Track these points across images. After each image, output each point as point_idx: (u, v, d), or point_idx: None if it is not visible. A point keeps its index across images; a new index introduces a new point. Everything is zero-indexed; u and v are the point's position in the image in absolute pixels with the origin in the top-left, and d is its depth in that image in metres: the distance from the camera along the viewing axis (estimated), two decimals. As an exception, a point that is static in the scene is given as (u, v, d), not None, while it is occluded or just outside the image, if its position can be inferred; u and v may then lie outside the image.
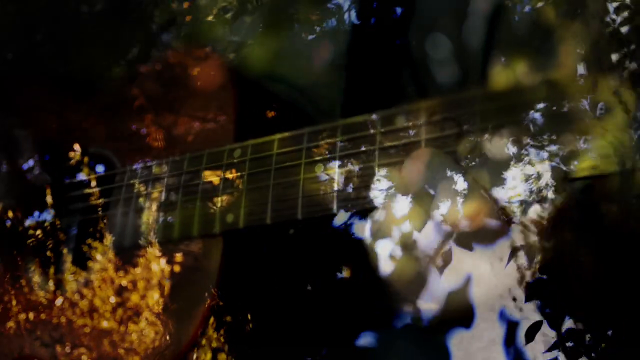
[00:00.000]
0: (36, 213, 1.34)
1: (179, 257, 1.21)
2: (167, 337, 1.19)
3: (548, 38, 0.99)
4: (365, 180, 1.06)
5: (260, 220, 1.13)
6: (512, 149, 0.97)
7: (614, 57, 0.91)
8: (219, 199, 1.17)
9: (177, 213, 1.21)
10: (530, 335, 1.00)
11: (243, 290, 1.22)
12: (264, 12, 1.31)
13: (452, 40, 1.15)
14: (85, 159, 1.34)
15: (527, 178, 0.96)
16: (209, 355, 1.20)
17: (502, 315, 1.03)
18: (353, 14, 1.30)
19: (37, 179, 1.38)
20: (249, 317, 1.22)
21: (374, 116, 1.07)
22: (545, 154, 0.95)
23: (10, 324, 1.25)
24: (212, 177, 1.20)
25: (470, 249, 1.00)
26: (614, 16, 0.92)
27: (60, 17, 1.42)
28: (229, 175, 1.18)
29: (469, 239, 1.00)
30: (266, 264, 1.23)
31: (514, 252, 1.00)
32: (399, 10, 1.27)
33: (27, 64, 1.42)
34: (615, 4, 0.92)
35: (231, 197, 1.17)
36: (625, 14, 0.91)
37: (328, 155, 1.09)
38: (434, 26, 1.18)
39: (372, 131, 1.07)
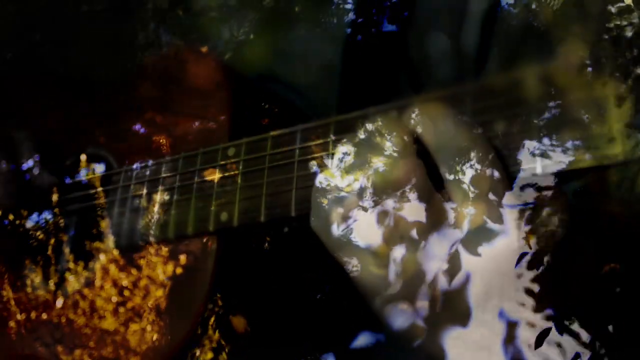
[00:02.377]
0: (35, 213, 1.35)
1: (175, 256, 1.20)
2: (165, 336, 1.19)
3: (548, 37, 0.98)
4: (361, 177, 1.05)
5: (254, 218, 1.12)
6: (510, 148, 0.95)
7: (617, 60, 0.89)
8: (213, 197, 1.17)
9: (172, 212, 1.21)
10: (540, 340, 0.99)
11: (239, 289, 1.22)
12: (261, 9, 1.31)
13: (450, 38, 1.15)
14: (84, 160, 1.35)
15: (528, 178, 0.95)
16: (208, 355, 1.20)
17: (505, 317, 1.02)
18: (351, 11, 1.29)
19: (38, 179, 1.38)
20: (247, 316, 1.21)
21: (367, 112, 1.06)
22: (544, 152, 0.93)
23: (11, 323, 1.25)
24: (206, 176, 1.19)
25: (477, 254, 0.98)
26: (617, 22, 0.90)
27: (60, 17, 1.43)
28: (224, 174, 1.18)
29: (476, 241, 0.98)
30: (262, 262, 1.22)
31: (522, 256, 0.98)
32: (397, 8, 1.26)
33: (27, 64, 1.43)
34: (617, 6, 0.90)
35: (225, 195, 1.16)
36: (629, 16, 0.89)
37: (322, 153, 1.08)
38: (432, 24, 1.17)
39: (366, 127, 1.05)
